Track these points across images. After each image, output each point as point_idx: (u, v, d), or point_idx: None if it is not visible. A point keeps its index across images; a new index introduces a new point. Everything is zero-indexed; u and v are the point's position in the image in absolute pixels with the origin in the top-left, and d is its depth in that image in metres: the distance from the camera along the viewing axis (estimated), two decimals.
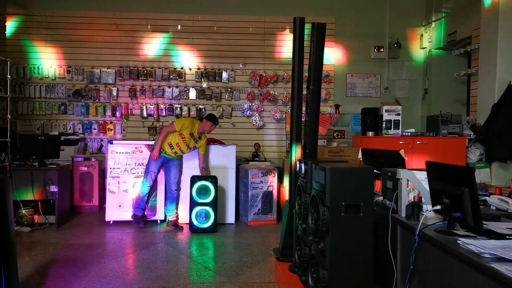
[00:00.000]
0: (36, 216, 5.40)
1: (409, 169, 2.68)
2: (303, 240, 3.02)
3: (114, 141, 5.88)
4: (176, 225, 5.54)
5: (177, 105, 7.11)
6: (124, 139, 6.77)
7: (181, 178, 5.70)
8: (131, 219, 5.56)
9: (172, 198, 5.58)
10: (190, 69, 7.17)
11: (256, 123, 7.16)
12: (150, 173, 5.45)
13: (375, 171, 2.93)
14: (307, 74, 3.61)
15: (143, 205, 5.54)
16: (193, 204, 5.32)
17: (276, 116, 7.18)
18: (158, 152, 5.37)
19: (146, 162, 5.60)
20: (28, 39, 7.05)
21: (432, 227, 2.26)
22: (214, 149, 5.88)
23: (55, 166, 5.43)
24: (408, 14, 7.43)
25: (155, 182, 5.58)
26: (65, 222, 5.65)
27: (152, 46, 7.14)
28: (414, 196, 2.57)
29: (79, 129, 7.05)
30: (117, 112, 7.04)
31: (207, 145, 5.74)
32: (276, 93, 7.19)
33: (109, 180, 5.74)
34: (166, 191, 5.67)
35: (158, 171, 5.55)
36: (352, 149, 5.95)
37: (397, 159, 3.23)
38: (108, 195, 5.72)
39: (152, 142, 5.70)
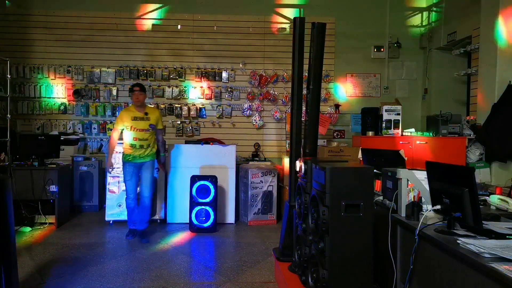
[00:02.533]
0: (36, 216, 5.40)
1: (409, 169, 2.68)
2: (303, 240, 3.02)
3: None
4: (143, 236, 4.90)
5: (177, 105, 7.11)
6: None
7: (155, 182, 5.28)
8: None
9: (144, 205, 4.94)
10: (190, 69, 7.17)
11: (256, 122, 7.16)
12: (126, 183, 4.92)
13: (375, 171, 2.93)
14: (307, 74, 3.61)
15: (132, 219, 5.01)
16: (193, 203, 5.32)
17: (276, 116, 7.17)
18: (110, 161, 5.02)
19: None
20: (28, 39, 7.04)
21: (432, 227, 2.27)
22: (214, 148, 5.88)
23: (55, 166, 5.43)
24: (408, 14, 7.43)
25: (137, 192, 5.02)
26: (65, 222, 5.65)
27: (152, 45, 7.14)
28: (414, 196, 2.57)
29: (79, 129, 7.04)
30: (117, 112, 7.03)
31: (207, 143, 5.75)
32: (276, 93, 7.19)
33: (109, 180, 5.75)
34: (140, 197, 5.01)
35: (136, 178, 4.96)
36: (352, 149, 5.95)
37: (397, 159, 3.23)
38: (108, 195, 5.73)
39: None
